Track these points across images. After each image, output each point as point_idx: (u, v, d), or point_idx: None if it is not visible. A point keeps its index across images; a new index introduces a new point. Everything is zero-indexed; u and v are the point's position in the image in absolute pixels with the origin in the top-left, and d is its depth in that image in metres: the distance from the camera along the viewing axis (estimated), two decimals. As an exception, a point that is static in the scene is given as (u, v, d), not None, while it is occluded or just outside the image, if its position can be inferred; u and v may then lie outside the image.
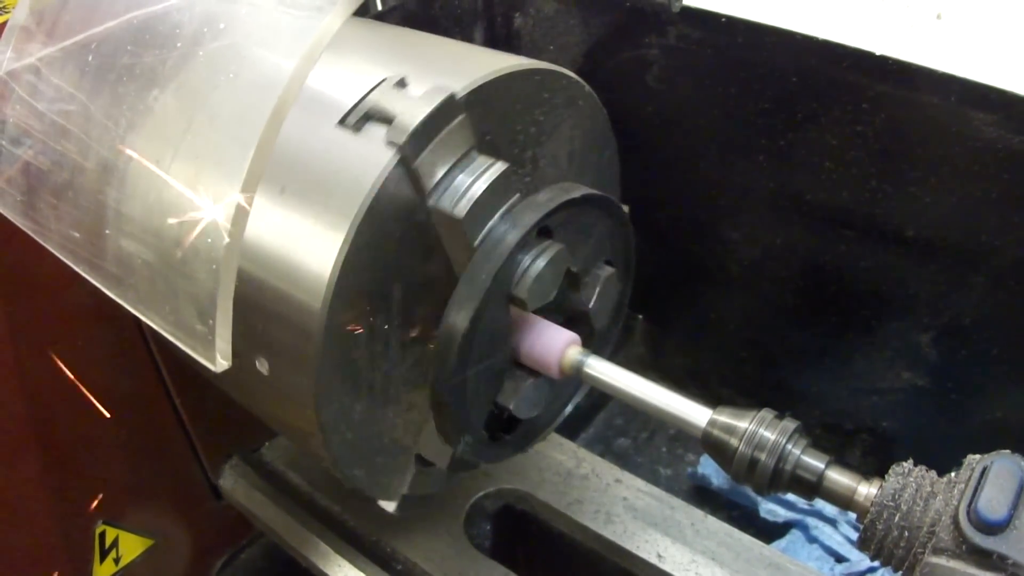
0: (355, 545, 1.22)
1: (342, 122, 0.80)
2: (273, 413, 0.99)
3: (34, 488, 1.11)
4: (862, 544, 0.75)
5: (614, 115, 1.05)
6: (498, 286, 0.84)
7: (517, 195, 0.85)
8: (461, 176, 0.81)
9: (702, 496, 1.53)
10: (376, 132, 0.78)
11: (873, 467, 0.76)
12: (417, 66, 0.85)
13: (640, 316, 1.61)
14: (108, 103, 0.80)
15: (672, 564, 1.15)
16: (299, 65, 0.65)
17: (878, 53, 1.05)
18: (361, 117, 0.79)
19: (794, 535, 1.40)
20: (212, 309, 0.66)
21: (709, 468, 1.47)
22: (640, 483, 1.26)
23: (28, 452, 1.08)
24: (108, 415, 1.16)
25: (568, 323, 0.94)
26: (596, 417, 1.63)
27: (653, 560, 1.16)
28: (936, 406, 1.28)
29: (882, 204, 1.17)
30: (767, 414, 0.80)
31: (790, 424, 0.79)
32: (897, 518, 0.71)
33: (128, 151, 0.74)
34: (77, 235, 0.79)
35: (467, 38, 1.39)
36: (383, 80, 0.81)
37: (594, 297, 0.95)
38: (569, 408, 1.10)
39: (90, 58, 0.83)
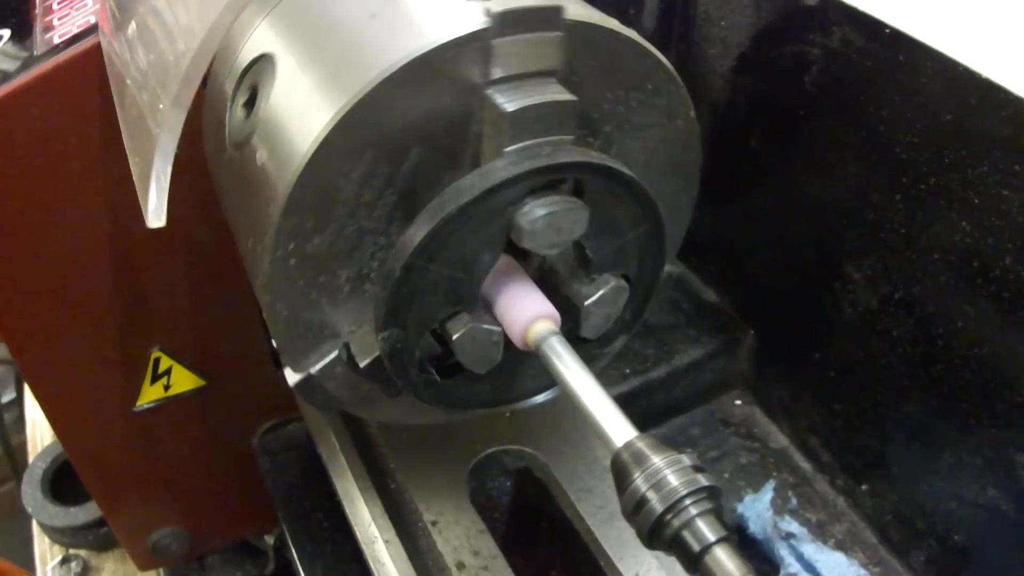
0: (362, 450, 1.25)
1: None
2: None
3: (101, 296, 1.20)
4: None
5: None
6: (500, 207, 0.77)
7: (572, 138, 0.79)
8: (529, 85, 0.76)
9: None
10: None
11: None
12: None
13: (753, 332, 1.49)
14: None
15: (642, 585, 1.08)
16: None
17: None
18: None
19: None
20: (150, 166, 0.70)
21: (751, 511, 1.35)
22: (657, 495, 1.17)
23: (103, 265, 1.18)
24: (183, 258, 1.24)
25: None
26: (672, 420, 1.54)
27: (628, 576, 1.09)
28: (1016, 537, 1.08)
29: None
30: (687, 459, 0.71)
31: (704, 481, 0.70)
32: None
33: (142, 12, 0.79)
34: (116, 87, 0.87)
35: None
36: None
37: (594, 297, 0.87)
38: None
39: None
